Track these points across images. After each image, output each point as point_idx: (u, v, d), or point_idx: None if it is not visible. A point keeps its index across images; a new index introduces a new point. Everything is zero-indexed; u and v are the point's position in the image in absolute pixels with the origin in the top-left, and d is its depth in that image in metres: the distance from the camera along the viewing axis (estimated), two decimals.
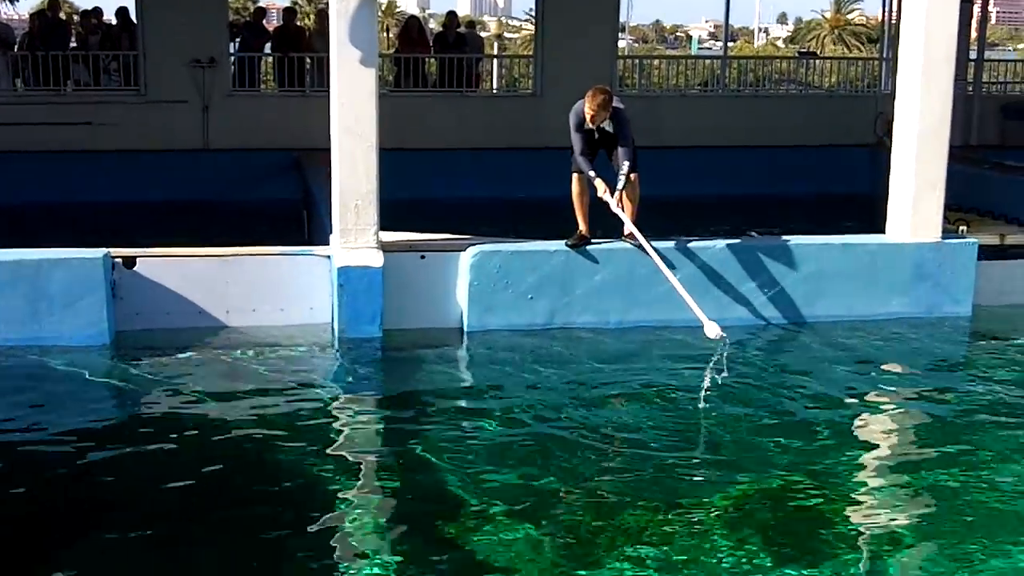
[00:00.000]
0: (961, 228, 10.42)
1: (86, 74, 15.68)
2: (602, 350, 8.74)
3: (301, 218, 12.59)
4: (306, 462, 6.53)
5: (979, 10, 17.68)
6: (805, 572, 5.31)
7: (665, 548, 5.52)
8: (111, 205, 13.45)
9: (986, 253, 9.92)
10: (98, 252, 8.65)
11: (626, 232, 8.96)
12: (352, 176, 8.89)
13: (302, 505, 5.95)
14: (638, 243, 8.74)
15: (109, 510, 5.93)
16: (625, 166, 8.68)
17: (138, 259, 8.85)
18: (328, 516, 5.83)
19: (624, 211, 8.81)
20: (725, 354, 7.49)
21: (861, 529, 5.86)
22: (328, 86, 9.11)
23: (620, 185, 8.69)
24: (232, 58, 16.03)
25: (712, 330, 7.66)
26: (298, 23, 19.02)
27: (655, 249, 8.67)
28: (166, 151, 14.70)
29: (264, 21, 19.09)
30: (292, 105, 15.35)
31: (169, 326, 8.79)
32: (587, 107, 8.65)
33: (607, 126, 8.76)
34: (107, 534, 5.64)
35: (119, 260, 8.79)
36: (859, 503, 6.18)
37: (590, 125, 8.73)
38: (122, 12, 16.57)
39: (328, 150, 9.04)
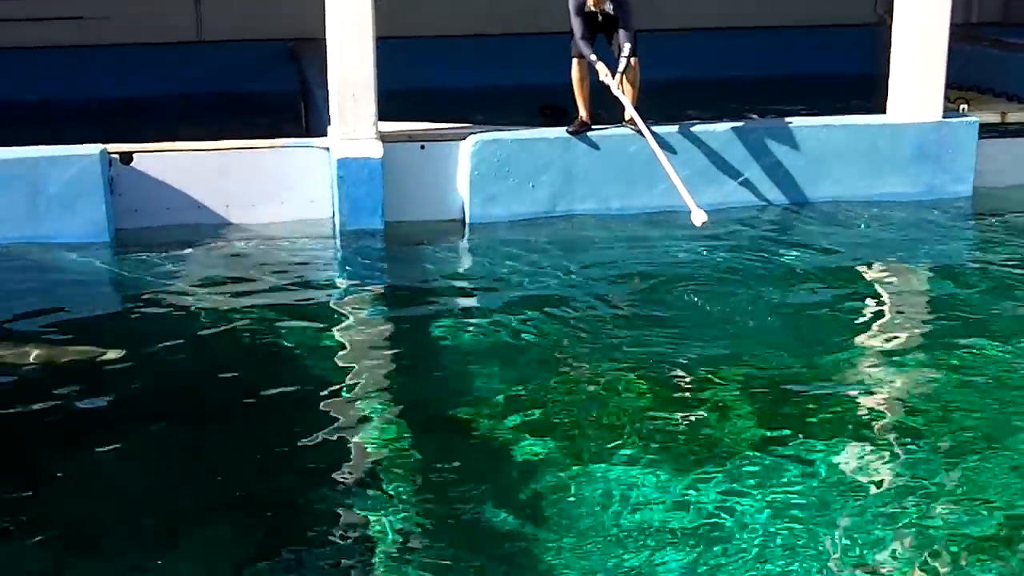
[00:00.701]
0: (962, 107, 10.34)
1: None
2: (605, 236, 8.75)
3: (298, 110, 12.47)
4: (310, 357, 6.55)
5: None
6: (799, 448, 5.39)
7: (677, 427, 5.60)
8: (104, 101, 13.29)
9: (987, 132, 9.87)
10: (94, 148, 8.58)
11: (627, 117, 8.90)
12: (348, 66, 8.78)
13: (306, 400, 5.97)
14: (638, 128, 8.68)
15: (116, 406, 5.94)
16: (626, 49, 8.59)
17: (135, 155, 8.78)
18: (332, 410, 5.86)
19: (626, 95, 8.74)
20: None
21: (861, 410, 5.91)
22: None
23: (621, 68, 8.61)
24: None
25: (699, 217, 7.67)
26: None
27: (653, 134, 8.60)
28: (158, 44, 14.47)
29: None
30: None
31: (169, 222, 8.76)
32: None
33: (608, 8, 8.64)
34: (115, 430, 5.66)
35: (116, 156, 8.72)
36: (862, 380, 6.24)
37: (591, 8, 8.60)
38: None
39: (324, 39, 8.92)
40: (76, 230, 8.46)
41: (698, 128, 9.30)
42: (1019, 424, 5.63)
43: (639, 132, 8.72)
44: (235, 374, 6.35)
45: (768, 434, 5.51)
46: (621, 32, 8.64)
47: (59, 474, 5.20)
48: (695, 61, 14.56)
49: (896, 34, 9.63)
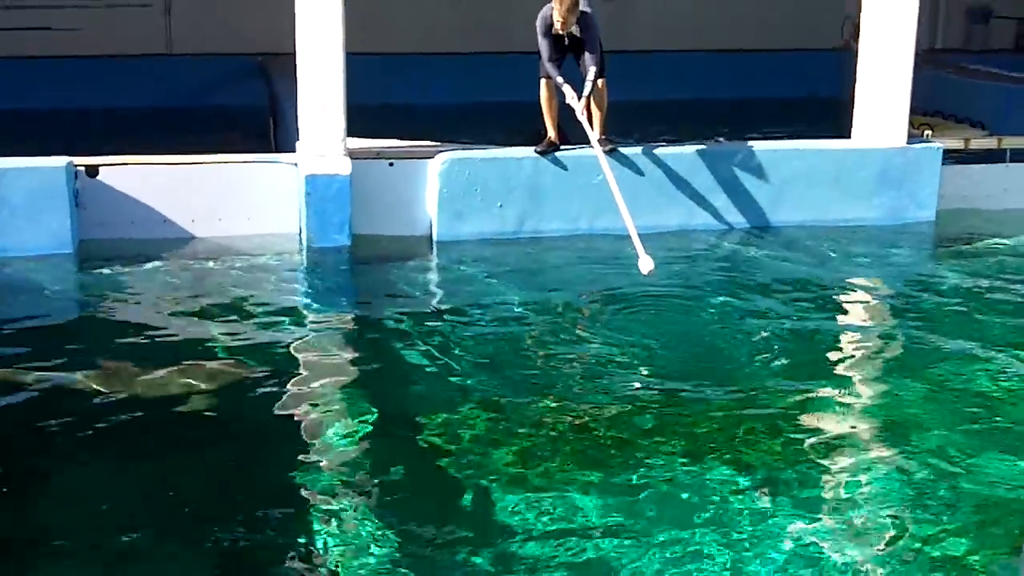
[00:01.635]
0: (926, 132, 10.47)
1: None
2: (572, 257, 8.77)
3: (267, 125, 12.45)
4: (275, 375, 6.49)
5: None
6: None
7: (629, 448, 5.62)
8: (72, 112, 13.20)
9: (950, 157, 9.98)
10: (60, 160, 8.53)
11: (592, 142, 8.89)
12: (318, 81, 8.78)
13: (269, 418, 5.95)
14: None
15: (75, 424, 5.87)
16: (591, 72, 8.63)
17: (101, 168, 8.74)
18: (293, 429, 5.84)
19: (593, 117, 8.79)
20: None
21: (818, 440, 5.88)
22: None
23: (586, 91, 8.65)
24: None
25: (646, 265, 7.42)
26: None
27: (611, 170, 8.45)
28: (128, 56, 14.42)
29: None
30: (258, 6, 15.03)
31: (134, 236, 8.71)
32: (556, 12, 8.56)
33: (575, 31, 8.68)
34: (71, 453, 5.59)
35: (82, 169, 8.68)
36: (822, 410, 6.27)
37: (559, 30, 8.65)
38: None
39: (294, 54, 8.92)
40: (40, 242, 8.40)
41: (664, 150, 9.36)
42: (977, 441, 5.73)
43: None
44: (197, 391, 6.29)
45: (728, 465, 5.55)
46: (587, 55, 8.68)
47: (15, 493, 5.15)
48: (663, 82, 14.64)
49: (861, 60, 9.73)
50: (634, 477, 5.31)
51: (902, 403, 6.24)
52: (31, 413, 5.99)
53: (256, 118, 12.57)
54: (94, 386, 6.26)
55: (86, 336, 7.24)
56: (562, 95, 8.73)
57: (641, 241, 7.57)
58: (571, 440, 5.72)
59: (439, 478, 5.36)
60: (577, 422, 5.91)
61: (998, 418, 6.02)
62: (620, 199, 8.11)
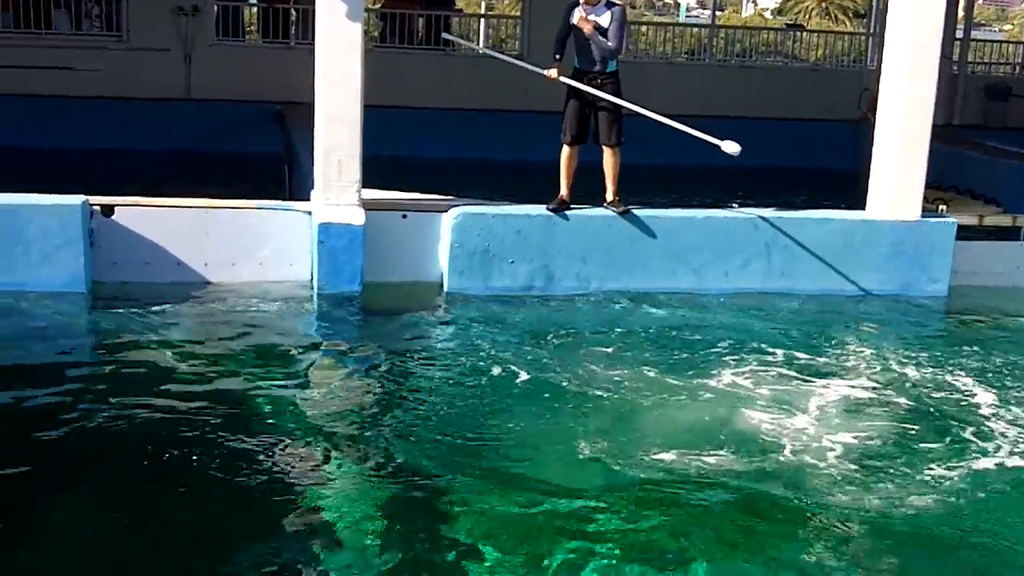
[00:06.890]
0: (940, 207, 10.48)
1: (67, 21, 15.49)
2: (581, 317, 8.74)
3: (282, 172, 12.51)
4: (280, 420, 6.51)
5: None
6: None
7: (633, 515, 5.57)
8: (90, 152, 13.32)
9: (964, 233, 9.97)
10: (76, 199, 8.57)
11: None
12: (335, 132, 8.83)
13: (276, 462, 5.93)
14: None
15: (81, 463, 5.88)
16: (613, 41, 8.84)
17: (116, 208, 8.77)
18: (299, 475, 5.81)
19: (607, 179, 8.92)
20: None
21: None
22: (313, 39, 9.04)
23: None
24: (215, 7, 15.87)
25: (731, 147, 8.71)
26: None
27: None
28: (147, 100, 14.57)
29: None
30: (276, 57, 15.23)
31: (146, 278, 8.73)
32: None
33: (603, 19, 8.82)
34: (80, 488, 5.60)
35: (97, 208, 8.72)
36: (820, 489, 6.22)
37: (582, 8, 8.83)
38: None
39: (311, 104, 8.97)
40: (53, 280, 8.41)
41: (677, 214, 9.39)
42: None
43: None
44: (200, 438, 6.25)
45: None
46: (610, 31, 8.85)
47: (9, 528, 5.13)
48: (680, 148, 14.69)
49: (878, 132, 9.76)
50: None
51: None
52: (36, 451, 5.96)
53: (273, 164, 12.66)
54: (97, 424, 6.24)
55: (91, 373, 7.23)
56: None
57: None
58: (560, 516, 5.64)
59: (431, 534, 5.33)
60: (565, 486, 5.84)
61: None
62: (664, 119, 9.03)
